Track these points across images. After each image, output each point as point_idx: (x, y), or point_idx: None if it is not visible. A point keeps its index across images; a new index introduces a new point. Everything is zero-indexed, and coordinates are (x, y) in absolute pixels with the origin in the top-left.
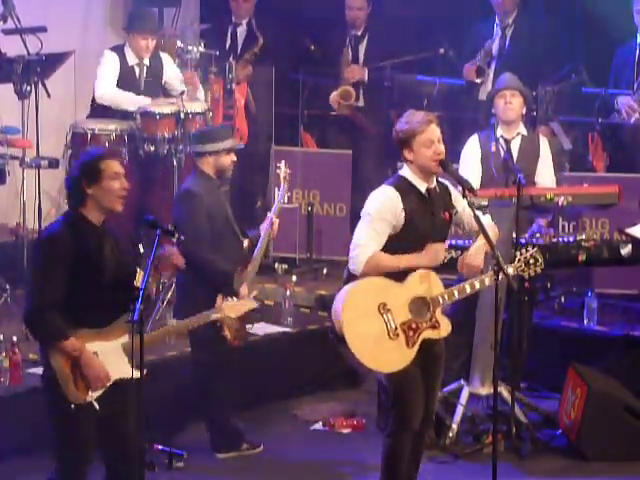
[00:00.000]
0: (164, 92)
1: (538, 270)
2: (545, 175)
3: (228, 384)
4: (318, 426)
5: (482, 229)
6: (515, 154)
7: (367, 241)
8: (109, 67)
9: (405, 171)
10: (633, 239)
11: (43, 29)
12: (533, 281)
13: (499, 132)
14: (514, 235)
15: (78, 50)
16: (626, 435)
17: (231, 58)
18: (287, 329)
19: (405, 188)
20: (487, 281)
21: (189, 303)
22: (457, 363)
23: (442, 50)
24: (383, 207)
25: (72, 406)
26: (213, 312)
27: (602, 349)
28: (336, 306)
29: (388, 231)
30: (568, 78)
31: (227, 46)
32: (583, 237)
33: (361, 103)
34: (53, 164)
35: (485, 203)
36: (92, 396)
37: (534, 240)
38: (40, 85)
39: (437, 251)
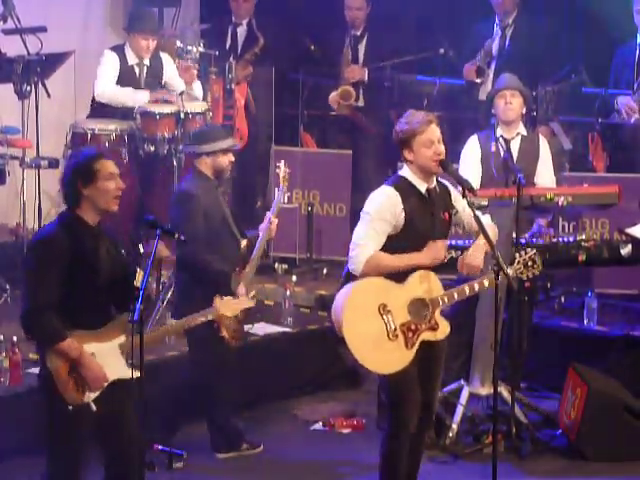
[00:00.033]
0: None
1: (536, 272)
2: (545, 176)
3: (228, 384)
4: (318, 426)
5: (482, 229)
6: (515, 154)
7: (367, 241)
8: (109, 66)
9: (405, 171)
10: (633, 239)
11: (43, 29)
12: (533, 281)
13: (499, 132)
14: (514, 235)
15: (78, 50)
16: (626, 435)
17: (231, 58)
18: (287, 329)
19: (405, 188)
20: (486, 283)
21: (187, 303)
22: (457, 363)
23: (442, 50)
24: (383, 207)
25: (69, 407)
26: (208, 311)
27: (602, 349)
28: (336, 306)
29: (388, 231)
30: (568, 78)
31: (227, 46)
32: (583, 237)
33: (361, 103)
34: (53, 164)
35: (485, 203)
36: (89, 397)
37: (534, 240)
38: (40, 85)
39: (438, 250)
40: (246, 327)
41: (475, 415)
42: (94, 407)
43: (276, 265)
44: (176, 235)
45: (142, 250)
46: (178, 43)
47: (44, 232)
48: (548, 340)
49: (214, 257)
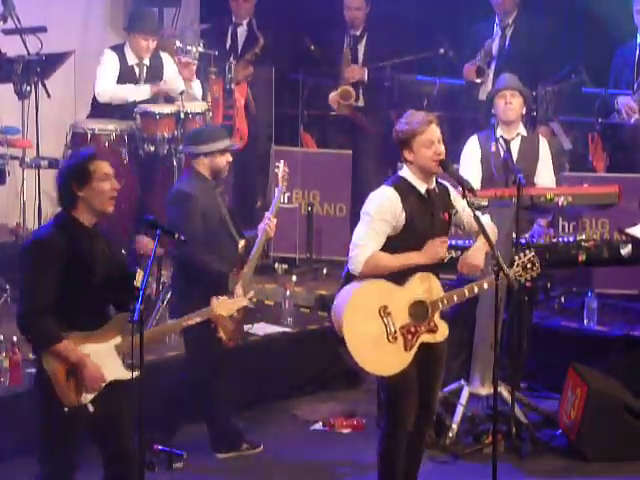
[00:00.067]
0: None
1: (534, 274)
2: (545, 176)
3: (227, 384)
4: (318, 426)
5: (482, 229)
6: (515, 155)
7: (367, 241)
8: (109, 66)
9: (405, 171)
10: (633, 239)
11: (43, 29)
12: (533, 281)
13: (499, 132)
14: (514, 235)
15: (78, 50)
16: (626, 435)
17: (231, 58)
18: (287, 329)
19: (405, 188)
20: (486, 286)
21: (184, 303)
22: (457, 363)
23: (442, 50)
24: (383, 207)
25: (66, 409)
26: (204, 311)
27: (602, 349)
28: (337, 306)
29: (388, 231)
30: (568, 78)
31: (227, 46)
32: (583, 237)
33: (361, 103)
34: (53, 164)
35: (485, 203)
36: (87, 398)
37: (534, 240)
38: (40, 85)
39: (436, 248)
40: (246, 327)
41: (475, 415)
42: (91, 408)
43: (276, 265)
44: (176, 235)
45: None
46: (178, 43)
47: (40, 234)
48: (548, 340)
49: (212, 257)
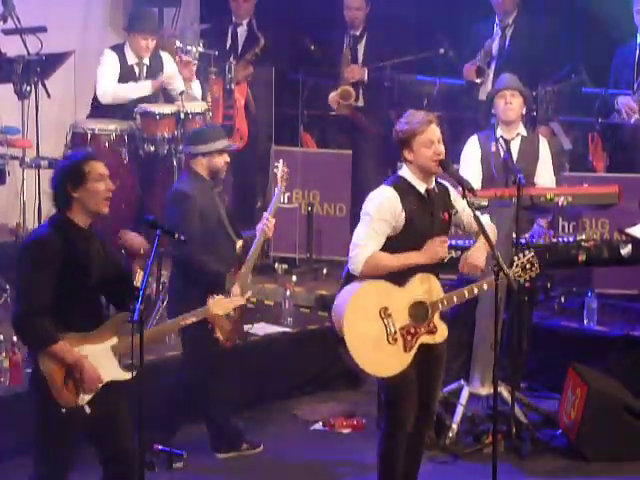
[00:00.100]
0: (164, 91)
1: (533, 275)
2: (545, 176)
3: (226, 384)
4: (318, 426)
5: (482, 229)
6: (515, 155)
7: (366, 241)
8: (109, 66)
9: (404, 171)
10: (633, 239)
11: (43, 29)
12: (533, 281)
13: (499, 132)
14: (514, 235)
15: (78, 50)
16: (626, 435)
17: (232, 58)
18: (287, 329)
19: (404, 188)
20: (485, 287)
21: (182, 304)
22: (457, 363)
23: (442, 50)
24: (382, 207)
25: (63, 410)
26: (200, 310)
27: (602, 349)
28: (338, 306)
29: (387, 231)
30: (568, 78)
31: (227, 46)
32: (583, 237)
33: (361, 103)
34: (53, 164)
35: (485, 203)
36: (83, 399)
37: (534, 240)
38: (40, 85)
39: (437, 249)
40: (246, 327)
41: (475, 415)
42: (88, 409)
43: (276, 265)
44: (176, 235)
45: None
46: (178, 43)
47: (36, 235)
48: (548, 340)
49: (210, 258)
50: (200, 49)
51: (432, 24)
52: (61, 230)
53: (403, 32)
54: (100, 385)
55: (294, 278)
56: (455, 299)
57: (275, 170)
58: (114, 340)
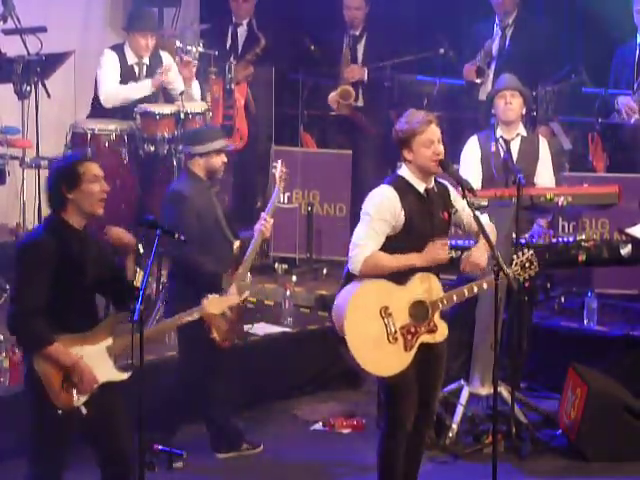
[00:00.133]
0: (164, 91)
1: (532, 273)
2: (545, 177)
3: (226, 384)
4: (318, 426)
5: (482, 229)
6: (515, 155)
7: (366, 241)
8: (109, 68)
9: (404, 171)
10: (633, 239)
11: (43, 29)
12: (533, 281)
13: (499, 132)
14: (514, 235)
15: (78, 50)
16: (626, 435)
17: (232, 58)
18: (287, 329)
19: (403, 188)
20: (485, 286)
21: (179, 303)
22: (457, 363)
23: (442, 50)
24: (382, 207)
25: (59, 411)
26: (195, 310)
27: (602, 349)
28: (338, 306)
29: (387, 231)
30: (568, 78)
31: (227, 46)
32: (583, 237)
33: (361, 103)
34: None
35: (485, 203)
36: (79, 400)
37: (534, 240)
38: (40, 85)
39: (438, 252)
40: (246, 327)
41: (475, 415)
42: (84, 410)
43: (276, 265)
44: (176, 235)
45: (142, 250)
46: (178, 43)
47: (31, 236)
48: (548, 340)
49: (207, 258)
50: (200, 49)
51: (432, 24)
52: (56, 231)
53: (403, 32)
54: (96, 386)
55: (294, 278)
56: (455, 298)
57: (273, 170)
58: (109, 341)
